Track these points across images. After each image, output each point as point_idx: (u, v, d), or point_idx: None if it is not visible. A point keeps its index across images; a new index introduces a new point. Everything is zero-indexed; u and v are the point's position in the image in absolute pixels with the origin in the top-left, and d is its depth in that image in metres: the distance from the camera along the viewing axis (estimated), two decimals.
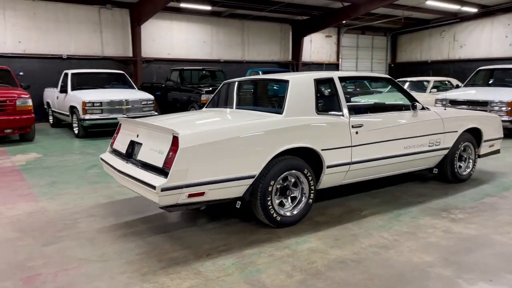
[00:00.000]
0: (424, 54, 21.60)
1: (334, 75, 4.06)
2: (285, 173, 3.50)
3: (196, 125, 3.76)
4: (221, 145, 3.17)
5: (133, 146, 3.62)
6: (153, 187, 2.90)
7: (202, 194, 3.10)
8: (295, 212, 3.63)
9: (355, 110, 4.18)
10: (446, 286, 2.57)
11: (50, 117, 11.88)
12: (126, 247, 3.22)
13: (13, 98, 8.38)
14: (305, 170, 3.61)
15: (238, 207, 3.43)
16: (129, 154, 3.64)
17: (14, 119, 8.30)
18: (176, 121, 3.97)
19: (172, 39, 15.85)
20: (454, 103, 8.96)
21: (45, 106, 12.32)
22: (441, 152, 4.70)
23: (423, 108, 4.58)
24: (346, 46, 21.59)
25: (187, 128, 3.22)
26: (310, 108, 3.75)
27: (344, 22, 18.85)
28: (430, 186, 4.91)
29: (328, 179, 3.86)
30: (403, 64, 22.93)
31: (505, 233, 3.43)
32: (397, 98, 4.70)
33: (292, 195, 3.66)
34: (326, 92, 4.21)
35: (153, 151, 3.26)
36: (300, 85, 3.81)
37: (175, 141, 3.03)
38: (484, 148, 5.27)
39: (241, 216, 3.82)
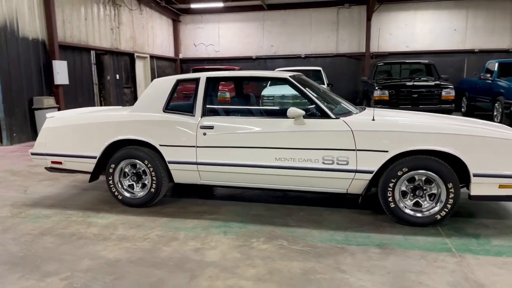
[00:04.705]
0: None
1: (203, 76, 4.02)
2: (126, 160, 4.09)
3: (78, 112, 4.63)
4: (70, 128, 4.24)
5: None
6: None
7: (60, 163, 4.32)
8: (137, 196, 4.13)
9: (220, 111, 3.96)
10: None
11: None
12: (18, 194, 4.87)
13: None
14: (146, 161, 4.02)
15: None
16: None
17: None
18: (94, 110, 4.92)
19: (414, 30, 14.78)
20: None
21: None
22: (353, 175, 3.49)
23: (325, 115, 3.59)
24: None
25: (63, 114, 4.47)
26: (158, 106, 4.04)
27: None
28: (361, 218, 3.70)
29: (179, 175, 4.02)
30: None
31: (194, 253, 2.70)
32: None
33: (143, 181, 4.16)
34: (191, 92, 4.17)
35: None
36: (159, 85, 4.15)
37: None
38: (483, 187, 3.30)
39: None
